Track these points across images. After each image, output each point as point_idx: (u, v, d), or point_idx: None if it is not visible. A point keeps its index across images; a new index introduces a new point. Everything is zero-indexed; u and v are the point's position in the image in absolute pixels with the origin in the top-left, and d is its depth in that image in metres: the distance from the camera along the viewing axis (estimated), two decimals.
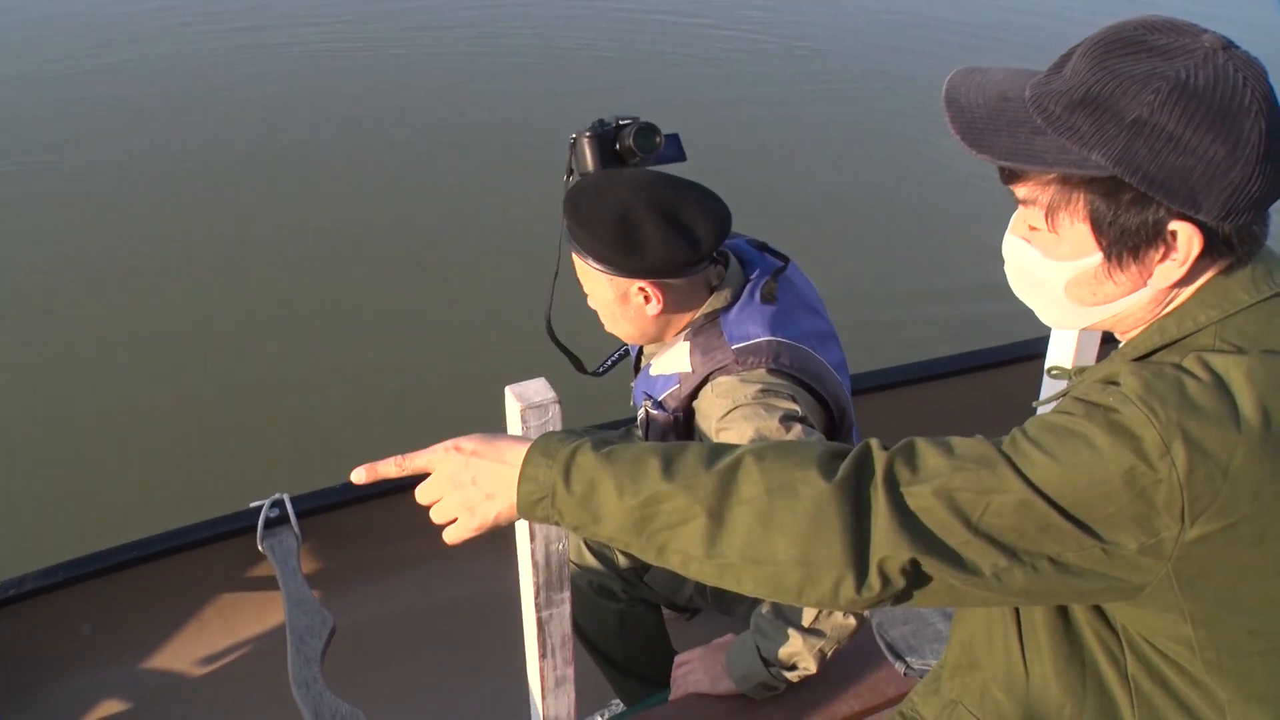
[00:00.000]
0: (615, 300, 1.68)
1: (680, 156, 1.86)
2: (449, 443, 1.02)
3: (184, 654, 2.32)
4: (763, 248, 1.82)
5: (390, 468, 1.03)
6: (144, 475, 3.24)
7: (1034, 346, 2.81)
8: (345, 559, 2.47)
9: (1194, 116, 0.86)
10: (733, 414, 1.57)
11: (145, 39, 6.91)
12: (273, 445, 3.41)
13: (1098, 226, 0.93)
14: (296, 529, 2.29)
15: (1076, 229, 0.94)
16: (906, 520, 0.88)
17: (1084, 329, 1.04)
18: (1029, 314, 1.08)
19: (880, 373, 2.76)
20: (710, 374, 1.64)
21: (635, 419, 1.79)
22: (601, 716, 2.13)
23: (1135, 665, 0.99)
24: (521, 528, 1.29)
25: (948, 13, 8.18)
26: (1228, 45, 0.89)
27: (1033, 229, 0.98)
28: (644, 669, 1.98)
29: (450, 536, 1.03)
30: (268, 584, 2.36)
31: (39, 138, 5.53)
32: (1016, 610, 1.07)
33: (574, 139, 1.78)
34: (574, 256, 1.67)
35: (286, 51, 6.84)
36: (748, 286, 1.71)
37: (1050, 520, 0.87)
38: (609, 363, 2.01)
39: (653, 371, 1.75)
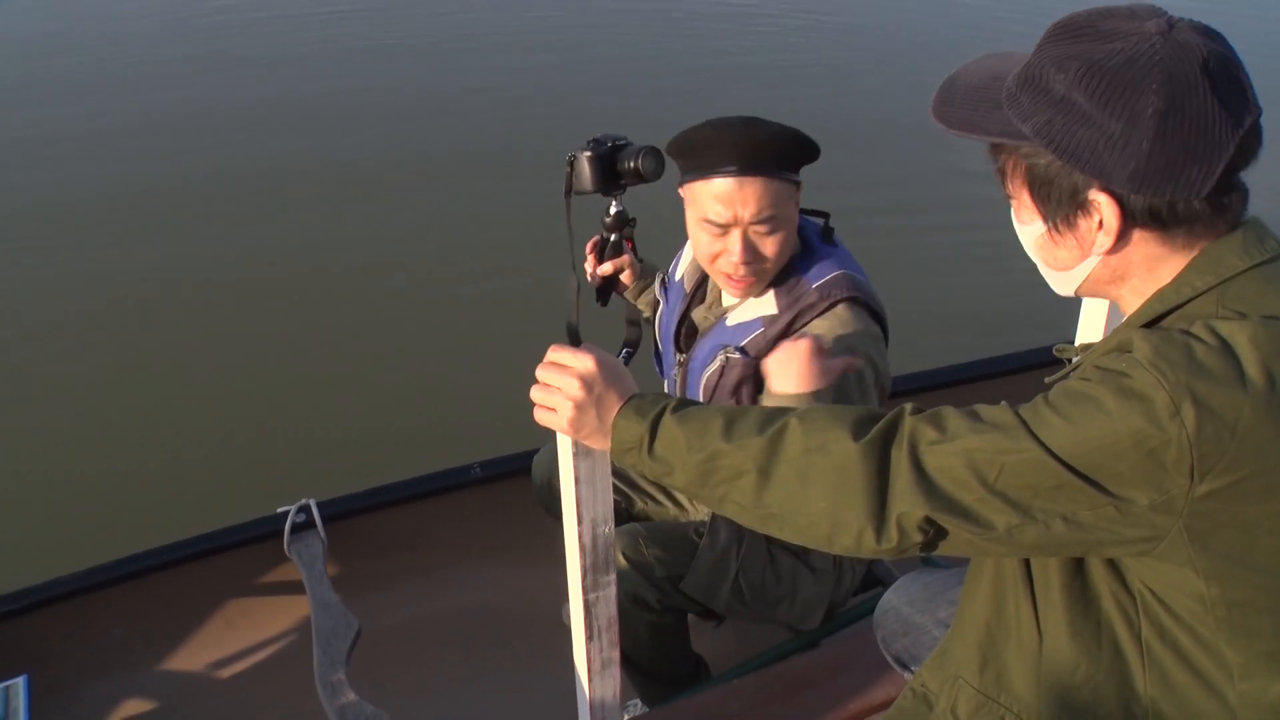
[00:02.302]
0: (795, 209, 1.70)
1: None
2: (600, 353, 1.17)
3: (212, 656, 2.35)
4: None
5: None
6: (174, 481, 3.28)
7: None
8: (370, 563, 2.49)
9: (1098, 93, 0.93)
10: None
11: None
12: (299, 451, 3.44)
13: (1034, 194, 1.01)
14: (323, 534, 2.32)
15: (1025, 197, 1.03)
16: (924, 478, 0.96)
17: (1073, 295, 1.11)
18: None
19: (902, 379, 2.75)
20: (796, 317, 1.70)
21: None
22: (628, 713, 2.13)
23: (1149, 629, 1.03)
24: (569, 512, 1.28)
25: None
26: (1167, 30, 0.94)
27: (1007, 197, 1.07)
28: (666, 673, 1.99)
29: (541, 418, 1.18)
30: (294, 588, 2.39)
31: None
32: (1029, 574, 1.10)
33: (573, 157, 1.77)
34: (755, 192, 1.63)
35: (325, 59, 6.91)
36: (807, 237, 1.78)
37: (1064, 479, 0.92)
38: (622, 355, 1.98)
39: (730, 322, 1.78)
